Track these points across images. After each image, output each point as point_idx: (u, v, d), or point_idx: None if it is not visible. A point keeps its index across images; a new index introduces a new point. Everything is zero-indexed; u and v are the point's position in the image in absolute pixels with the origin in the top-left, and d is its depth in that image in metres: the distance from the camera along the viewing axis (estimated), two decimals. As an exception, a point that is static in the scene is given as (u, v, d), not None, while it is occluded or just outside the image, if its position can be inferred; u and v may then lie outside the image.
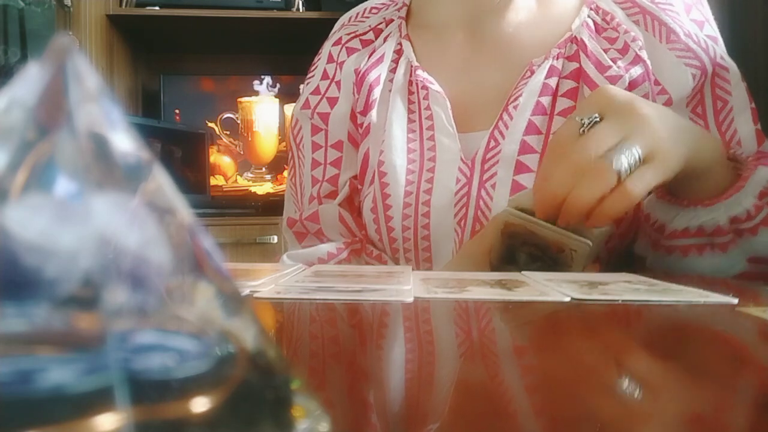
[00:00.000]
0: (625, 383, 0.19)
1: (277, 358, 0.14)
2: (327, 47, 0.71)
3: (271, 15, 1.92)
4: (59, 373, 0.10)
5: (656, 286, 0.37)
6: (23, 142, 0.12)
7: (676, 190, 0.53)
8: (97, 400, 0.10)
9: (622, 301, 0.32)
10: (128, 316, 0.11)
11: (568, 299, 0.32)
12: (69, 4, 1.74)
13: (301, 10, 1.97)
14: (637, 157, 0.43)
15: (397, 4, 0.71)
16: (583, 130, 0.45)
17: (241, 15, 1.89)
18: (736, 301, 0.32)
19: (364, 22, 0.70)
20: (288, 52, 2.11)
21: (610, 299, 0.32)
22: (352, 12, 0.73)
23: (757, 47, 1.45)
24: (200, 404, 0.11)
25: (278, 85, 2.11)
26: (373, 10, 0.72)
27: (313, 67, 0.72)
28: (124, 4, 1.92)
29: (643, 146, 0.43)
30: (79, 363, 0.11)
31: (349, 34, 0.70)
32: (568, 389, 0.18)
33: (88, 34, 1.79)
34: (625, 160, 0.43)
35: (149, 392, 0.11)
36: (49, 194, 0.12)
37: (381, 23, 0.69)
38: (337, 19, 0.75)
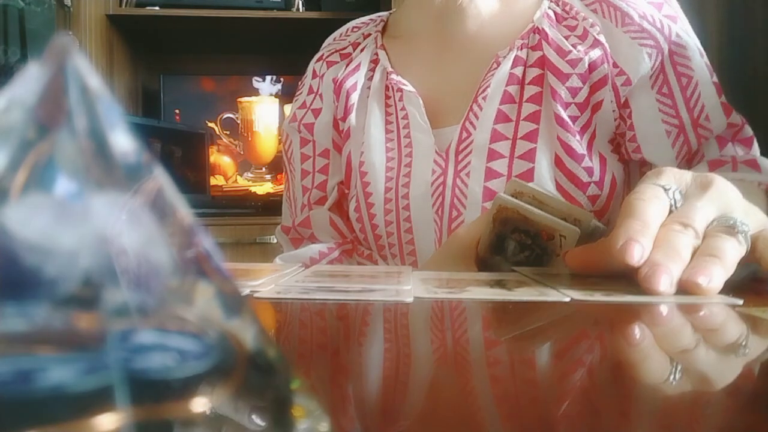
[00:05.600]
0: (625, 384, 0.19)
1: (277, 358, 0.14)
2: (311, 65, 0.75)
3: (271, 15, 1.92)
4: (59, 373, 0.10)
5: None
6: (23, 142, 0.12)
7: None
8: (97, 400, 0.10)
9: (623, 302, 0.32)
10: (128, 316, 0.11)
11: (568, 299, 0.32)
12: (69, 4, 1.73)
13: (301, 10, 1.97)
14: (749, 225, 0.37)
15: (375, 21, 0.76)
16: (672, 198, 0.39)
17: (241, 15, 1.89)
18: (741, 302, 0.32)
19: (345, 40, 0.75)
20: (288, 52, 2.11)
21: (610, 300, 0.32)
22: (336, 33, 0.78)
23: (757, 47, 1.45)
24: (200, 404, 0.11)
25: (279, 85, 2.11)
26: (354, 29, 0.76)
27: (300, 85, 0.76)
28: (124, 4, 1.92)
29: (745, 216, 0.38)
30: (79, 363, 0.11)
31: (330, 51, 0.74)
32: (567, 389, 0.18)
33: (88, 34, 1.79)
34: (745, 223, 0.37)
35: (149, 392, 0.11)
36: (49, 194, 0.12)
37: (359, 38, 0.74)
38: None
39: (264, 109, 2.11)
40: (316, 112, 0.71)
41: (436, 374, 0.20)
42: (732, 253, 0.35)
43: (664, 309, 0.31)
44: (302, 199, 0.72)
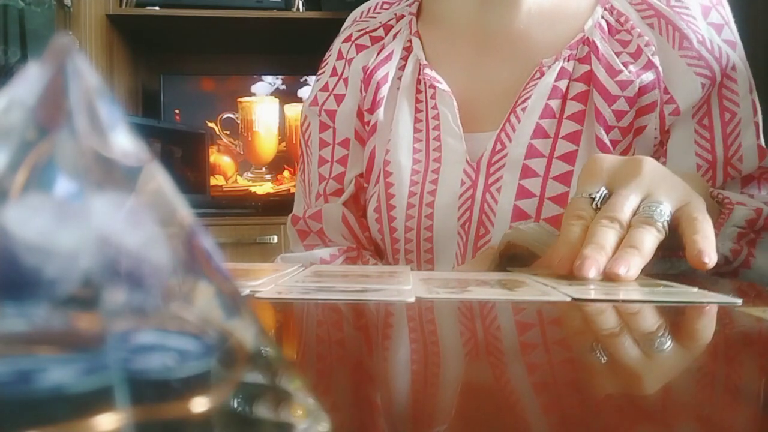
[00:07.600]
0: (626, 384, 0.19)
1: (277, 358, 0.14)
2: (337, 44, 0.70)
3: (271, 15, 1.92)
4: (59, 373, 0.10)
5: (658, 286, 0.37)
6: (23, 142, 0.12)
7: None
8: (97, 400, 0.10)
9: (624, 301, 0.32)
10: (128, 316, 0.11)
11: (569, 299, 0.32)
12: (69, 4, 1.73)
13: (301, 10, 1.97)
14: (669, 208, 0.41)
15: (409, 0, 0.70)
16: (597, 204, 0.43)
17: (241, 15, 1.89)
18: (740, 301, 0.32)
19: (375, 18, 0.69)
20: (288, 52, 2.11)
21: (611, 299, 0.32)
22: (364, 7, 0.72)
23: (757, 47, 1.45)
24: (200, 404, 0.11)
25: (280, 79, 2.11)
26: (385, 5, 0.70)
27: (323, 64, 0.71)
28: (124, 4, 1.92)
29: (667, 197, 0.41)
30: (79, 363, 0.11)
31: (359, 31, 0.68)
32: (568, 390, 0.18)
33: (88, 34, 1.79)
34: (664, 209, 0.41)
35: (149, 392, 0.11)
36: (49, 194, 0.12)
37: (391, 19, 0.68)
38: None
39: (264, 109, 2.10)
40: (339, 98, 0.66)
41: (440, 374, 0.20)
42: (650, 242, 0.40)
43: (664, 309, 0.31)
44: (318, 187, 0.68)
